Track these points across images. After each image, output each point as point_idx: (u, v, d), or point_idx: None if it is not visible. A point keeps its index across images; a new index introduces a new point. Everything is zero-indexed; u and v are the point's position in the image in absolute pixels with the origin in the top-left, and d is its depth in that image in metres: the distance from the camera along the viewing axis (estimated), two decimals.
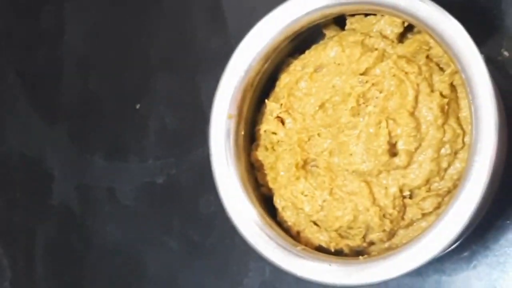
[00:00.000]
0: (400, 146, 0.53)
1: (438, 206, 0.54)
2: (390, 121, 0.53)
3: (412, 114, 0.53)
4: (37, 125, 0.75)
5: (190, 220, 0.69)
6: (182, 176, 0.70)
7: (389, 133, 0.53)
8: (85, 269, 0.72)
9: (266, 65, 0.58)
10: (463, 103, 0.54)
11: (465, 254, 0.59)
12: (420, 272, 0.60)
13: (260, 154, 0.58)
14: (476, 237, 0.59)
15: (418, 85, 0.53)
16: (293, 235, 0.57)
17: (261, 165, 0.58)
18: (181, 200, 0.70)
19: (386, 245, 0.55)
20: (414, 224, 0.55)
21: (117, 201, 0.71)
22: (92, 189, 0.72)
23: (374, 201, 0.54)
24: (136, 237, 0.70)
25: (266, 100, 0.58)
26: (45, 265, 0.73)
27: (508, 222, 0.59)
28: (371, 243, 0.56)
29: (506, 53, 0.60)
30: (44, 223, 0.74)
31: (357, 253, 0.56)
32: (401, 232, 0.55)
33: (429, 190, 0.54)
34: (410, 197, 0.54)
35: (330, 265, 0.53)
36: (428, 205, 0.54)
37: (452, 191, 0.53)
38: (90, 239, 0.72)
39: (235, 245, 0.66)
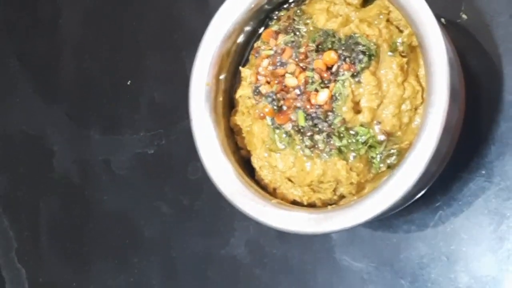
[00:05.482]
0: (363, 103, 0.56)
1: (401, 159, 0.56)
2: (353, 80, 0.56)
3: (373, 73, 0.56)
4: (38, 105, 0.79)
5: (180, 186, 0.72)
6: (171, 146, 0.73)
7: (353, 92, 0.56)
8: (85, 235, 0.75)
9: (241, 35, 0.61)
10: (422, 62, 0.56)
11: (432, 205, 0.62)
12: (390, 224, 0.63)
13: (238, 119, 0.61)
14: (441, 188, 0.61)
15: (379, 46, 0.57)
16: (270, 192, 0.60)
17: (240, 130, 0.61)
18: (171, 168, 0.73)
19: (356, 197, 0.58)
20: (381, 176, 0.57)
21: (113, 172, 0.74)
22: (89, 162, 0.76)
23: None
24: (131, 203, 0.73)
25: (240, 67, 0.61)
26: (48, 234, 0.77)
27: (471, 173, 0.61)
28: (342, 197, 0.58)
29: (464, 16, 0.62)
30: (46, 196, 0.77)
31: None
32: (369, 185, 0.58)
33: (392, 144, 0.57)
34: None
35: (299, 213, 0.56)
36: (392, 158, 0.57)
37: None
38: (89, 208, 0.75)
39: (221, 208, 0.68)
